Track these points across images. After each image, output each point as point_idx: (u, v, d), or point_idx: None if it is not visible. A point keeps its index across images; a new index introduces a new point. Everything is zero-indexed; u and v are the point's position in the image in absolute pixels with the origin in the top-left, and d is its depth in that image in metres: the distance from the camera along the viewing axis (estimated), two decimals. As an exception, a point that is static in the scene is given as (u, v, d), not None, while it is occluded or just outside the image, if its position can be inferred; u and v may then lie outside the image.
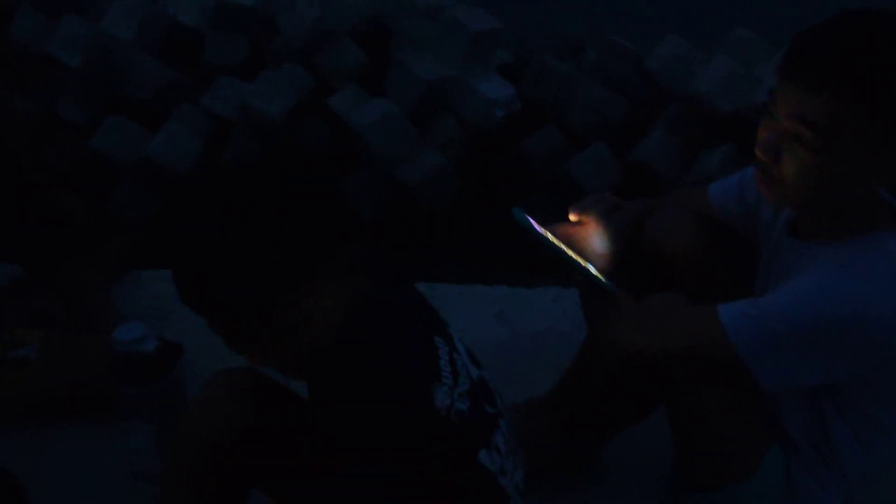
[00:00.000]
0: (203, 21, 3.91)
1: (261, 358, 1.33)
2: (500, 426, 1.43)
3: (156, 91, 3.75)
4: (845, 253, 1.42)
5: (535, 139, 3.70)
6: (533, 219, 1.56)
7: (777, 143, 1.39)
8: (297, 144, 3.80)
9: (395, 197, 3.65)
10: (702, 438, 1.61)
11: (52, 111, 3.70)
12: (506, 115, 3.73)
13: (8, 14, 1.66)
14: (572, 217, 1.67)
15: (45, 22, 3.74)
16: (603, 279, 1.56)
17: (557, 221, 1.66)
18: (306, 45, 3.88)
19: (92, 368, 1.83)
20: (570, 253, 1.56)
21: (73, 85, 3.76)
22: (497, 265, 2.91)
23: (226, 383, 1.44)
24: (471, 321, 2.16)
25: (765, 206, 1.63)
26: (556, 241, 1.56)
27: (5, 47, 1.63)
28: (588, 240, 1.63)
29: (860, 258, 1.41)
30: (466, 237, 3.39)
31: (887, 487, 1.76)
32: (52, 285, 2.05)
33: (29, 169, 2.12)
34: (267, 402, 1.45)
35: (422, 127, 3.73)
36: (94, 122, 3.70)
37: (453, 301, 2.27)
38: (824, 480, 1.56)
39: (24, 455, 1.76)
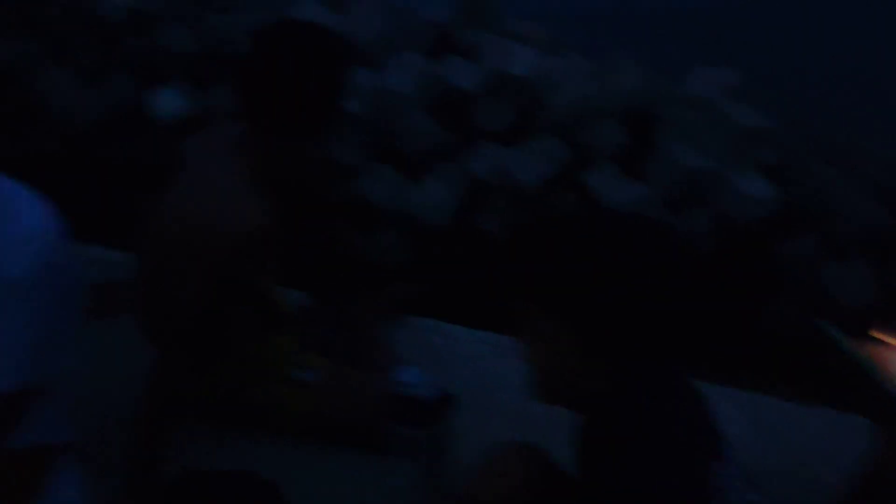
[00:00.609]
0: (476, 86, 4.08)
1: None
2: None
3: (424, 146, 3.95)
4: None
5: (791, 244, 3.61)
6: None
7: None
8: (548, 215, 3.88)
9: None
10: None
11: (325, 152, 3.96)
12: (763, 215, 3.67)
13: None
14: (879, 336, 1.64)
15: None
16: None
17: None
18: (570, 120, 3.98)
19: (369, 403, 1.93)
20: (881, 372, 1.53)
21: (351, 130, 4.01)
22: (747, 370, 2.84)
23: (517, 457, 1.48)
24: (727, 428, 2.10)
25: None
26: (868, 359, 1.53)
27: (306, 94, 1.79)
28: None
29: None
30: (711, 335, 3.33)
31: None
32: (335, 317, 2.19)
33: (322, 205, 2.27)
34: (550, 485, 1.48)
35: (674, 215, 3.73)
36: (363, 167, 3.93)
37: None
38: None
39: (292, 473, 1.87)
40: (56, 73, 3.74)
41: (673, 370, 1.37)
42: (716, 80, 4.07)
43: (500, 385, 2.21)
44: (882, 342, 1.58)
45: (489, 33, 4.16)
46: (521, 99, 4.05)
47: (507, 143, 3.93)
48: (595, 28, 4.42)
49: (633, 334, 1.28)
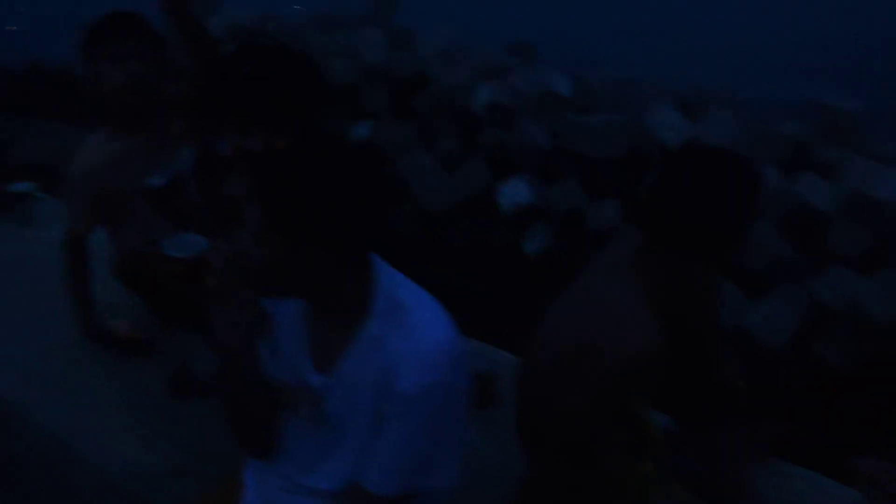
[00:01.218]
0: (832, 206, 3.88)
1: None
2: None
3: (769, 264, 3.79)
4: None
5: None
6: None
7: None
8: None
9: None
10: None
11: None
12: None
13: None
14: None
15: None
16: None
17: None
18: (935, 254, 3.69)
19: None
20: None
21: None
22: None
23: None
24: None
25: None
26: None
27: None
28: None
29: None
30: None
31: None
32: (701, 447, 2.09)
33: (705, 328, 2.17)
34: None
35: None
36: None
37: None
38: None
39: None
40: (421, 158, 3.95)
41: None
42: None
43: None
44: None
45: (851, 152, 3.95)
46: (881, 224, 3.80)
47: (861, 270, 3.69)
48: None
49: None
